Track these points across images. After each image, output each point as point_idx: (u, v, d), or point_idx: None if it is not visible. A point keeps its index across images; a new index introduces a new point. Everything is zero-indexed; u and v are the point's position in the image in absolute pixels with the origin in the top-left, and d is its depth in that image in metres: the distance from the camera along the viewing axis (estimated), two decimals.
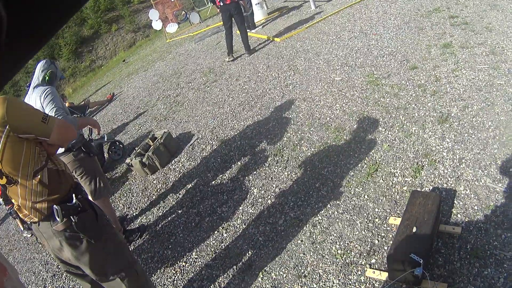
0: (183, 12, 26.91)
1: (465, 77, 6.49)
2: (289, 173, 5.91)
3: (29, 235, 7.91)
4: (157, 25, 24.85)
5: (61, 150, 5.08)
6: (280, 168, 6.12)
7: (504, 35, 7.44)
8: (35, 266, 7.03)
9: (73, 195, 3.37)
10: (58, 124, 3.25)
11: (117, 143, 9.64)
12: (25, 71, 33.27)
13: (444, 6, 9.98)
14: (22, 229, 7.93)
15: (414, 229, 3.58)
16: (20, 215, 3.41)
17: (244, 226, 5.31)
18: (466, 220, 3.94)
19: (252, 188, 5.98)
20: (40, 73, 5.31)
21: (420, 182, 4.67)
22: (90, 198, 5.66)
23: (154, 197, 7.07)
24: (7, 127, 2.94)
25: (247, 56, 12.87)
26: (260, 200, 5.64)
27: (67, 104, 11.87)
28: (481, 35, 7.72)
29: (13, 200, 3.35)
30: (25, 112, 3.16)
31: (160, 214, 6.42)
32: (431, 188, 4.52)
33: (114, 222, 5.93)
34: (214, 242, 5.28)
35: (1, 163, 3.03)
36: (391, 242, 3.86)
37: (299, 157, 6.17)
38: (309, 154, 6.14)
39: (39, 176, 3.17)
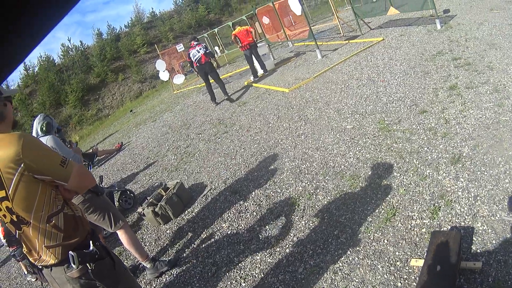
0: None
1: (472, 116, 6.58)
2: (306, 221, 5.87)
3: (33, 279, 7.86)
4: (164, 76, 24.91)
5: None
6: (297, 217, 6.07)
7: (505, 73, 7.61)
8: None
9: (90, 242, 3.28)
10: (77, 170, 3.18)
11: (128, 192, 9.68)
12: (30, 115, 33.45)
13: (447, 49, 10.21)
14: (25, 272, 7.89)
15: (438, 268, 3.60)
16: (30, 259, 3.28)
17: (262, 275, 5.22)
18: (486, 254, 3.94)
19: (269, 238, 5.92)
20: (38, 125, 5.68)
21: (438, 222, 4.66)
22: (110, 231, 5.95)
23: (167, 247, 7.04)
24: (22, 165, 2.86)
25: (229, 101, 15.67)
26: (278, 249, 5.57)
27: None
28: (483, 74, 7.87)
29: (23, 243, 3.21)
30: (43, 152, 3.08)
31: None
32: (449, 227, 4.51)
33: (140, 251, 6.03)
34: None
35: (12, 202, 2.93)
36: (415, 283, 3.87)
37: (316, 206, 6.13)
38: (325, 202, 6.11)
39: (53, 221, 3.07)
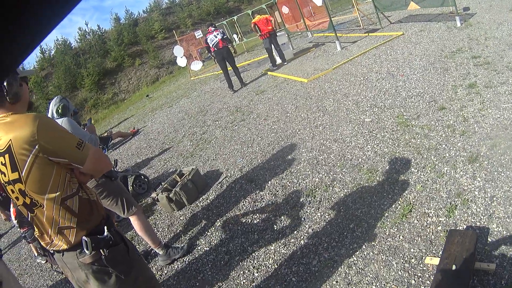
0: None
1: (491, 116, 6.54)
2: (322, 213, 5.86)
3: (43, 261, 7.84)
4: (181, 62, 24.56)
5: None
6: (313, 209, 6.07)
7: None
8: None
9: (105, 227, 3.21)
10: (93, 153, 3.13)
11: (142, 177, 9.69)
12: (45, 98, 33.50)
13: (466, 46, 10.18)
14: (36, 254, 7.90)
15: (454, 267, 3.62)
16: (42, 243, 3.25)
17: (276, 266, 5.21)
18: (500, 256, 3.94)
19: (284, 229, 5.92)
20: (54, 107, 5.63)
21: (454, 221, 4.64)
22: (122, 216, 5.92)
23: (180, 233, 7.05)
24: (37, 147, 2.81)
25: (243, 88, 16.25)
26: (292, 240, 5.57)
27: None
28: (503, 74, 7.83)
29: (35, 226, 3.19)
30: (59, 134, 3.03)
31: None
32: (465, 227, 4.50)
33: (153, 237, 6.02)
34: (244, 281, 5.19)
35: (25, 184, 2.90)
36: (428, 282, 3.89)
37: (332, 198, 6.12)
38: (342, 195, 6.10)
39: (67, 204, 3.02)
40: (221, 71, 16.81)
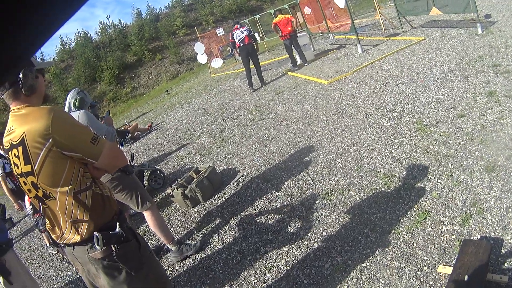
0: (229, 48, 27.06)
1: (510, 125, 6.47)
2: (337, 217, 5.84)
3: (54, 252, 7.87)
4: (202, 58, 24.78)
5: None
6: (328, 212, 6.06)
7: None
8: (57, 284, 7.11)
9: (117, 223, 3.20)
10: (108, 148, 3.13)
11: (158, 172, 9.72)
12: (64, 89, 33.68)
13: (487, 54, 10.08)
14: (47, 244, 7.94)
15: (466, 278, 3.60)
16: (53, 236, 3.28)
17: (288, 267, 5.21)
18: None
19: (298, 230, 5.91)
20: (71, 99, 5.61)
21: (469, 231, 4.61)
22: (136, 210, 5.93)
23: (194, 230, 7.06)
24: (50, 140, 2.82)
25: (263, 87, 16.33)
26: (306, 242, 5.56)
27: None
28: None
29: (46, 218, 3.20)
30: (73, 128, 3.03)
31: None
32: (479, 237, 4.46)
33: (166, 233, 6.05)
34: (256, 281, 5.20)
35: (37, 177, 2.91)
36: None
37: (348, 202, 6.10)
38: (357, 199, 6.07)
39: (80, 198, 3.02)
40: (242, 68, 16.95)
